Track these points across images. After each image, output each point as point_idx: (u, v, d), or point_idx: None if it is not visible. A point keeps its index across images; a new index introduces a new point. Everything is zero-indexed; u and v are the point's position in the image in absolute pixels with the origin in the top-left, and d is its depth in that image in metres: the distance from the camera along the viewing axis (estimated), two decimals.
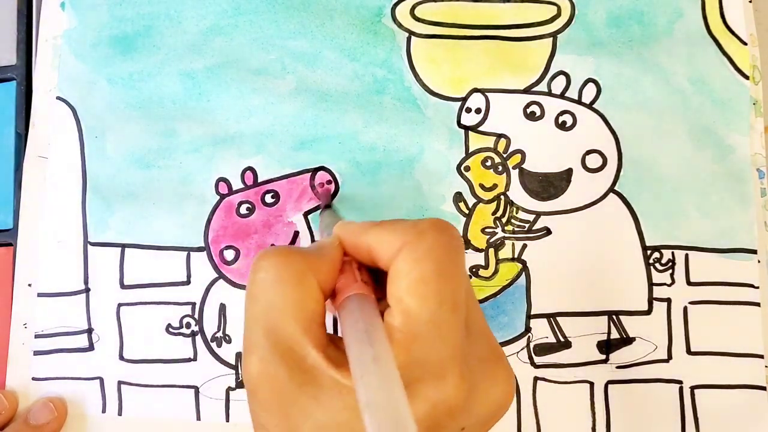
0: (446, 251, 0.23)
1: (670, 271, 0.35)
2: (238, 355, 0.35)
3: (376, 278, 0.25)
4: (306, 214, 0.35)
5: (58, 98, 0.37)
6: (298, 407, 0.22)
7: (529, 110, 0.36)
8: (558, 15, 0.37)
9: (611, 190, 0.35)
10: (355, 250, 0.25)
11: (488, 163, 0.36)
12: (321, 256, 0.24)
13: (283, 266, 0.23)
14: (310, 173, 0.36)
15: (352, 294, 0.23)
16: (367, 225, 0.25)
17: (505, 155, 0.36)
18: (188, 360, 0.35)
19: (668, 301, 0.35)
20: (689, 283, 0.35)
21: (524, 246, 0.35)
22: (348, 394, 0.21)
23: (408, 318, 0.22)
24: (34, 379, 0.35)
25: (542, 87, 0.36)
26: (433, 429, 0.22)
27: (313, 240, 0.35)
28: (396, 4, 0.37)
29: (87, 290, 0.36)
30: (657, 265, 0.35)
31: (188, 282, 0.35)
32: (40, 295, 0.36)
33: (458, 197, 0.35)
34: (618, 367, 0.34)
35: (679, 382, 0.34)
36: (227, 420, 0.35)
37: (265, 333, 0.22)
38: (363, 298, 0.23)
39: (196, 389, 0.35)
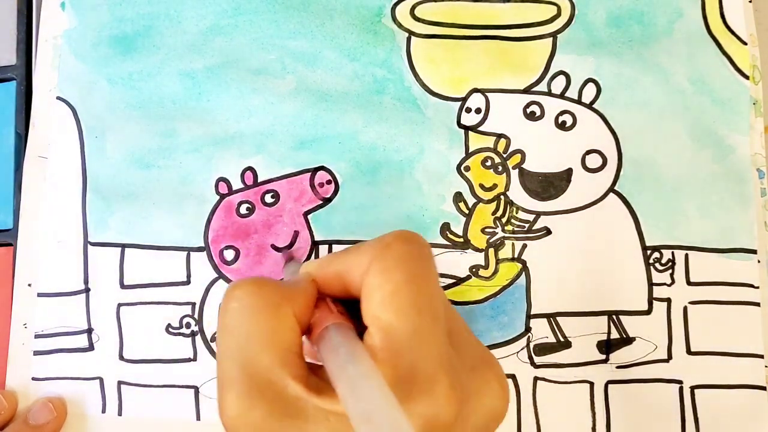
0: (415, 260, 0.22)
1: (670, 271, 0.35)
2: None
3: (352, 313, 0.24)
4: (306, 214, 0.35)
5: (58, 98, 0.37)
6: None
7: (529, 110, 0.36)
8: (558, 15, 0.37)
9: (611, 190, 0.35)
10: (326, 283, 0.24)
11: (488, 163, 0.36)
12: (295, 288, 0.24)
13: (258, 296, 0.22)
14: (310, 173, 0.36)
15: (329, 324, 0.22)
16: (333, 254, 0.24)
17: (505, 155, 0.36)
18: (188, 360, 0.35)
19: (668, 301, 0.35)
20: (689, 283, 0.35)
21: (524, 246, 0.35)
22: (335, 419, 0.20)
23: (387, 334, 0.21)
24: (34, 379, 0.35)
25: (542, 87, 0.36)
26: None
27: (312, 239, 0.35)
28: (396, 4, 0.37)
29: (87, 290, 0.36)
30: (657, 265, 0.35)
31: (188, 282, 0.35)
32: (40, 295, 0.36)
33: (458, 197, 0.35)
34: (618, 367, 0.34)
35: (679, 382, 0.34)
36: None
37: (241, 367, 0.21)
38: (340, 327, 0.22)
39: (196, 389, 0.35)
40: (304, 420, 0.21)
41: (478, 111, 0.36)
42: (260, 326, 0.22)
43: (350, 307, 0.24)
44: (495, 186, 0.36)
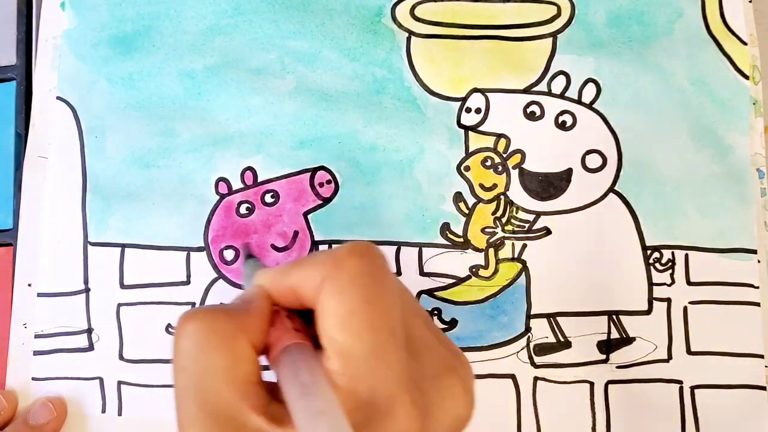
0: (369, 275, 0.22)
1: (670, 271, 0.35)
2: None
3: (308, 322, 0.23)
4: (306, 214, 0.35)
5: (58, 98, 0.37)
6: None
7: (529, 110, 0.36)
8: (558, 15, 0.37)
9: (611, 190, 0.35)
10: (280, 296, 0.24)
11: (488, 163, 0.36)
12: (248, 312, 0.23)
13: (210, 331, 0.22)
14: (310, 173, 0.36)
15: (286, 345, 0.22)
16: (287, 266, 0.23)
17: (505, 155, 0.36)
18: None
19: (668, 301, 0.35)
20: (689, 283, 0.35)
21: (524, 246, 0.35)
22: None
23: (345, 358, 0.21)
24: (34, 379, 0.35)
25: (542, 87, 0.36)
26: None
27: (312, 239, 0.35)
28: (396, 4, 0.37)
29: (87, 290, 0.36)
30: (657, 265, 0.35)
31: (188, 282, 0.35)
32: (40, 295, 0.36)
33: (458, 197, 0.35)
34: (618, 367, 0.34)
35: (679, 381, 0.34)
36: None
37: (199, 405, 0.21)
38: (299, 348, 0.21)
39: None
40: None
41: (478, 111, 0.36)
42: (216, 362, 0.21)
43: (306, 317, 0.23)
44: (495, 186, 0.36)
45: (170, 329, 0.35)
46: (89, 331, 0.35)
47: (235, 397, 0.21)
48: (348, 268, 0.22)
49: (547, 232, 0.35)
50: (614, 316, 0.35)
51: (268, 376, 0.22)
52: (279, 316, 0.23)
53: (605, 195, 0.35)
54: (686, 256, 0.35)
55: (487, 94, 0.36)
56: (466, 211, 0.35)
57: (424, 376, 0.22)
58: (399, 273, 0.35)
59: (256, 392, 0.22)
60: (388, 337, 0.21)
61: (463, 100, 0.36)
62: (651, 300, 0.35)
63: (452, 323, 0.35)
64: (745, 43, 0.36)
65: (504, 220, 0.35)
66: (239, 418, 0.21)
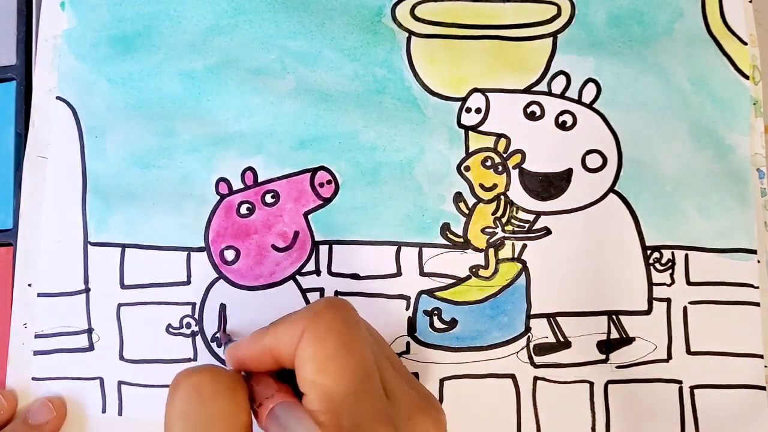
0: (345, 325, 0.24)
1: (670, 271, 0.35)
2: None
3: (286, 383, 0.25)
4: (306, 214, 0.35)
5: (58, 98, 0.37)
6: None
7: (529, 110, 0.36)
8: (558, 15, 0.37)
9: (611, 190, 0.35)
10: (256, 360, 0.26)
11: (488, 163, 0.36)
12: (238, 373, 0.25)
13: (217, 381, 0.24)
14: (310, 173, 0.36)
15: (278, 404, 0.23)
16: (260, 331, 0.26)
17: (505, 155, 0.36)
18: (188, 360, 0.35)
19: (668, 301, 0.35)
20: (689, 283, 0.35)
21: (524, 246, 0.35)
22: None
23: (327, 397, 0.23)
24: (34, 379, 0.35)
25: (542, 87, 0.36)
26: None
27: (313, 239, 0.35)
28: (396, 4, 0.37)
29: (87, 290, 0.36)
30: (657, 265, 0.35)
31: (188, 282, 0.35)
32: (40, 295, 0.36)
33: (458, 197, 0.35)
34: (618, 367, 0.35)
35: (679, 381, 0.34)
36: None
37: None
38: (290, 405, 0.23)
39: None
40: None
41: (478, 111, 0.36)
42: (220, 410, 0.23)
43: (281, 379, 0.25)
44: (495, 186, 0.36)
45: (171, 329, 0.35)
46: (89, 331, 0.35)
47: None
48: (326, 319, 0.24)
49: (547, 232, 0.35)
50: (614, 316, 0.35)
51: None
52: (265, 377, 0.25)
53: (605, 195, 0.35)
54: (686, 256, 0.35)
55: (487, 94, 0.36)
56: (466, 211, 0.35)
57: (399, 415, 0.24)
58: (399, 273, 0.35)
59: None
60: (365, 378, 0.23)
61: (463, 100, 0.36)
62: (651, 300, 0.35)
63: (452, 323, 0.35)
64: (745, 43, 0.36)
65: (504, 220, 0.35)
66: None
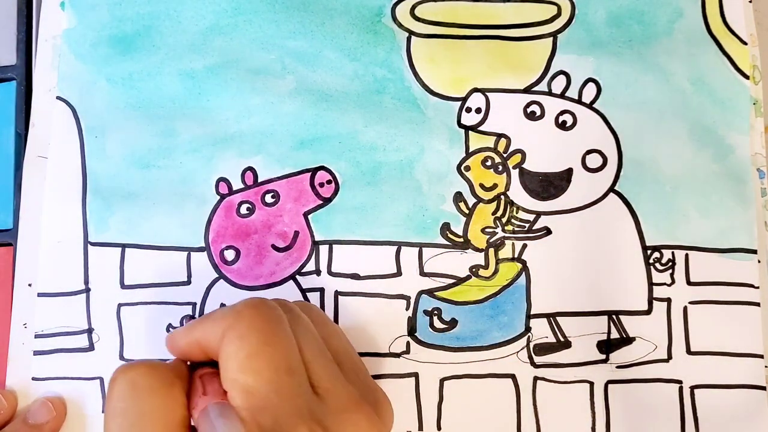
0: (266, 322, 0.24)
1: (670, 270, 0.35)
2: None
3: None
4: (306, 214, 0.35)
5: (58, 98, 0.37)
6: None
7: (529, 110, 0.36)
8: (558, 15, 0.37)
9: (611, 190, 0.35)
10: (189, 353, 0.26)
11: (488, 163, 0.36)
12: (179, 367, 0.26)
13: (152, 376, 0.24)
14: (310, 173, 0.36)
15: (208, 405, 0.24)
16: (191, 323, 0.26)
17: (505, 155, 0.36)
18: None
19: (668, 301, 0.35)
20: (689, 283, 0.35)
21: (524, 246, 0.35)
22: None
23: (248, 395, 0.23)
24: (34, 379, 0.35)
25: (542, 87, 0.36)
26: None
27: (313, 239, 0.35)
28: (396, 4, 0.37)
29: (87, 290, 0.36)
30: (657, 264, 0.35)
31: (189, 282, 0.35)
32: (40, 295, 0.36)
33: (458, 197, 0.35)
34: (618, 367, 0.34)
35: (679, 381, 0.34)
36: None
37: None
38: (221, 405, 0.24)
39: None
40: None
41: (478, 111, 0.36)
42: (156, 404, 0.24)
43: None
44: (495, 186, 0.36)
45: (171, 329, 0.35)
46: (89, 331, 0.35)
47: None
48: (246, 318, 0.24)
49: (548, 232, 0.35)
50: (614, 316, 0.35)
51: None
52: (199, 379, 0.26)
53: (605, 195, 0.35)
54: (686, 256, 0.35)
55: (488, 93, 0.36)
56: (467, 211, 0.35)
57: (327, 411, 0.24)
58: (399, 273, 0.35)
59: None
60: (285, 375, 0.24)
61: (464, 99, 0.36)
62: (651, 300, 0.35)
63: (452, 323, 0.35)
64: (746, 43, 0.36)
65: (504, 220, 0.35)
66: None
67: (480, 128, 0.36)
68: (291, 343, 0.25)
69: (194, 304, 0.35)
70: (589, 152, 0.36)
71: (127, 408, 0.23)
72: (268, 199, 0.35)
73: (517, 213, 0.35)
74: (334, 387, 0.25)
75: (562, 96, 0.36)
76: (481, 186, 0.36)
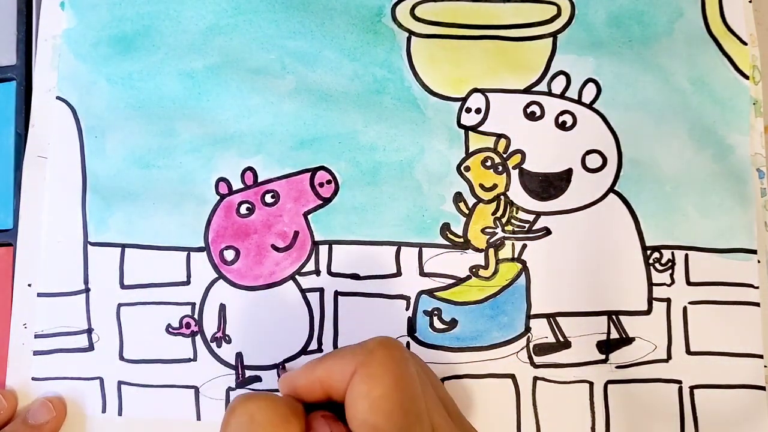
0: (399, 365, 0.24)
1: (670, 271, 0.35)
2: (239, 355, 0.35)
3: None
4: (306, 214, 0.35)
5: (58, 98, 0.37)
6: None
7: (529, 110, 0.36)
8: (558, 15, 0.37)
9: (611, 190, 0.35)
10: (307, 392, 0.26)
11: (488, 163, 0.36)
12: (295, 403, 0.25)
13: (272, 410, 0.23)
14: (310, 173, 0.36)
15: None
16: (313, 362, 0.26)
17: (505, 155, 0.36)
18: (188, 360, 0.35)
19: (668, 301, 0.35)
20: (689, 283, 0.35)
21: (524, 246, 0.35)
22: None
23: None
24: (33, 379, 0.35)
25: (542, 87, 0.36)
26: None
27: (313, 239, 0.35)
28: (396, 4, 0.37)
29: (87, 290, 0.36)
30: (657, 265, 0.35)
31: (188, 282, 0.35)
32: (40, 295, 0.36)
33: (458, 197, 0.35)
34: (617, 367, 0.35)
35: (679, 381, 0.34)
36: None
37: None
38: None
39: (196, 389, 0.35)
40: None
41: (478, 111, 0.36)
42: None
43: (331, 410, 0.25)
44: (495, 186, 0.36)
45: (170, 329, 0.35)
46: (89, 331, 0.35)
47: None
48: (379, 357, 0.24)
49: (547, 232, 0.35)
50: (614, 316, 0.35)
51: None
52: (316, 419, 0.25)
53: (605, 195, 0.35)
54: (686, 256, 0.35)
55: (487, 94, 0.36)
56: (466, 212, 0.35)
57: None
58: (399, 273, 0.35)
59: None
60: (417, 420, 0.23)
61: (463, 100, 0.36)
62: (651, 300, 0.35)
63: (452, 323, 0.35)
64: (745, 43, 0.36)
65: (504, 220, 0.35)
66: None
67: (480, 128, 0.36)
68: (418, 388, 0.24)
69: (194, 304, 0.35)
70: (588, 152, 0.36)
71: None
72: (268, 199, 0.35)
73: (516, 213, 0.35)
74: (449, 430, 0.25)
75: (561, 96, 0.36)
76: (481, 186, 0.36)
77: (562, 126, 0.36)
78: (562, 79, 0.36)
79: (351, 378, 0.24)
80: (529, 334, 0.35)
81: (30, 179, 0.37)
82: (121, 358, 0.35)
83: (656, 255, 0.35)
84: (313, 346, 0.35)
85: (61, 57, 0.37)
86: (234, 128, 0.36)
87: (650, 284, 0.35)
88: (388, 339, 0.25)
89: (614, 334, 0.35)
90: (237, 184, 0.36)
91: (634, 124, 0.36)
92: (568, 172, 0.36)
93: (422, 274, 0.35)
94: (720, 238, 0.35)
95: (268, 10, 0.37)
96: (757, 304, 0.35)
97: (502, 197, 0.35)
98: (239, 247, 0.35)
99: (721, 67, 0.36)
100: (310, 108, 0.36)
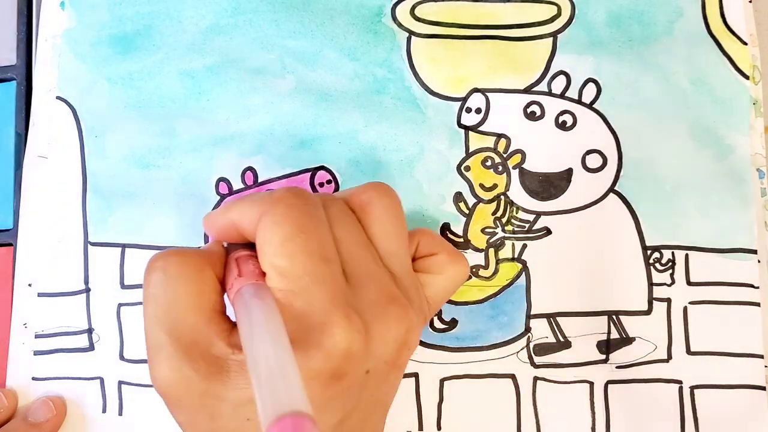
0: (303, 210, 0.24)
1: (670, 271, 0.35)
2: None
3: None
4: None
5: (58, 98, 0.37)
6: (211, 396, 0.23)
7: (529, 110, 0.36)
8: (558, 15, 0.37)
9: (611, 190, 0.35)
10: (226, 233, 0.26)
11: (488, 163, 0.36)
12: (213, 251, 0.26)
13: (182, 263, 0.24)
14: (310, 173, 0.36)
15: (244, 285, 0.24)
16: (227, 205, 0.26)
17: (505, 155, 0.36)
18: None
19: (668, 301, 0.35)
20: (689, 283, 0.35)
21: (524, 246, 0.35)
22: None
23: (283, 277, 0.23)
24: (34, 378, 0.35)
25: (542, 87, 0.36)
26: (336, 377, 0.23)
27: None
28: (396, 4, 0.37)
29: (87, 290, 0.36)
30: (657, 265, 0.35)
31: None
32: (40, 295, 0.36)
33: (458, 197, 0.35)
34: (618, 367, 0.35)
35: (679, 382, 0.34)
36: None
37: (168, 331, 0.23)
38: (256, 287, 0.24)
39: None
40: (227, 376, 0.23)
41: (478, 111, 0.36)
42: (186, 290, 0.24)
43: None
44: (495, 186, 0.36)
45: None
46: (90, 331, 0.35)
47: (201, 323, 0.24)
48: (283, 204, 0.24)
49: (548, 232, 0.35)
50: (614, 316, 0.35)
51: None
52: (232, 260, 0.26)
53: (605, 195, 0.35)
54: (686, 256, 0.35)
55: (488, 94, 0.36)
56: (466, 211, 0.35)
57: (363, 301, 0.24)
58: None
59: (220, 320, 0.24)
60: (322, 261, 0.24)
61: (464, 100, 0.36)
62: (651, 300, 0.35)
63: (452, 323, 0.35)
64: (745, 43, 0.36)
65: (504, 220, 0.35)
66: (204, 343, 0.23)
67: (480, 128, 0.36)
68: (325, 231, 0.25)
69: None
70: (589, 152, 0.36)
71: (158, 294, 0.24)
72: None
73: (517, 213, 0.35)
74: (367, 277, 0.25)
75: (562, 96, 0.36)
76: (481, 186, 0.36)
77: (562, 126, 0.36)
78: (562, 79, 0.36)
79: (258, 224, 0.24)
80: (529, 334, 0.35)
81: (30, 179, 0.37)
82: (122, 358, 0.35)
83: (656, 255, 0.35)
84: None
85: (61, 57, 0.37)
86: (234, 128, 0.36)
87: (650, 284, 0.35)
88: (296, 188, 0.26)
89: (614, 334, 0.35)
90: (237, 184, 0.36)
91: (634, 124, 0.36)
92: (569, 172, 0.36)
93: None
94: (720, 238, 0.35)
95: (269, 10, 0.37)
96: (758, 304, 0.35)
97: (502, 197, 0.35)
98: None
99: (721, 67, 0.36)
100: (310, 108, 0.36)
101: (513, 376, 0.34)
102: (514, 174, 0.36)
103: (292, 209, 0.24)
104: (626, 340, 0.35)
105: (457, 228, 0.35)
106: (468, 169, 0.36)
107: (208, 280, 0.25)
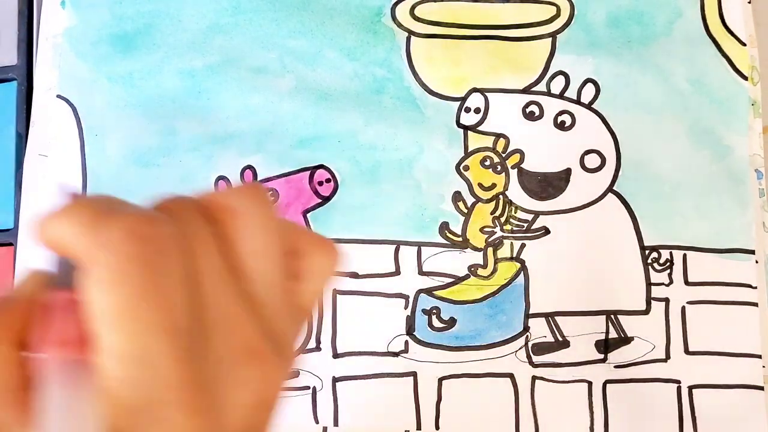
0: (148, 261, 0.18)
1: (669, 271, 0.35)
2: None
3: None
4: (305, 213, 0.35)
5: (59, 97, 0.37)
6: None
7: (528, 110, 0.36)
8: (557, 15, 0.37)
9: (610, 190, 0.35)
10: (51, 247, 0.19)
11: (487, 163, 0.36)
12: (10, 305, 0.19)
13: None
14: (310, 172, 0.36)
15: (52, 361, 0.18)
16: (49, 217, 0.19)
17: (504, 155, 0.36)
18: None
19: (666, 300, 0.35)
20: (687, 283, 0.35)
21: (523, 245, 0.35)
22: None
23: (117, 361, 0.18)
24: None
25: (541, 87, 0.36)
26: None
27: None
28: (396, 4, 0.37)
29: None
30: (655, 265, 0.35)
31: None
32: None
33: (457, 196, 0.36)
34: (616, 367, 0.35)
35: (677, 381, 0.34)
36: None
37: None
38: (69, 367, 0.18)
39: None
40: None
41: (477, 111, 0.36)
42: None
43: None
44: (494, 185, 0.36)
45: None
46: None
47: None
48: (123, 248, 0.18)
49: (546, 231, 0.35)
50: (612, 316, 0.35)
51: None
52: (58, 307, 0.19)
53: (604, 195, 0.35)
54: (684, 256, 0.35)
55: (487, 94, 0.36)
56: (465, 211, 0.35)
57: (211, 360, 0.19)
58: (398, 272, 0.35)
59: (19, 400, 0.18)
60: (166, 338, 0.18)
61: (463, 99, 0.36)
62: (649, 300, 0.35)
63: (451, 322, 0.35)
64: (744, 44, 0.36)
65: (503, 219, 0.35)
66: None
67: (479, 128, 0.36)
68: (176, 286, 0.18)
69: None
70: (587, 152, 0.36)
71: None
72: None
73: (515, 213, 0.35)
74: (223, 323, 0.19)
75: (560, 96, 0.36)
76: (480, 185, 0.36)
77: (561, 126, 0.36)
78: (561, 79, 0.36)
79: (87, 267, 0.18)
80: (527, 333, 0.35)
81: (30, 179, 0.37)
82: None
83: (655, 255, 0.35)
84: (312, 344, 0.35)
85: (61, 56, 0.37)
86: (234, 127, 0.36)
87: (648, 284, 0.35)
88: (139, 227, 0.19)
89: (613, 334, 0.35)
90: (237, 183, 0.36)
91: (632, 125, 0.36)
92: (567, 172, 0.36)
93: (421, 272, 0.35)
94: (718, 238, 0.35)
95: (269, 10, 0.37)
96: (755, 305, 0.35)
97: (500, 197, 0.36)
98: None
99: (720, 68, 0.36)
100: (309, 107, 0.36)
101: (511, 376, 0.34)
102: (513, 174, 0.36)
103: (134, 261, 0.18)
104: (624, 340, 0.35)
105: (456, 227, 0.35)
106: (467, 168, 0.36)
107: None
